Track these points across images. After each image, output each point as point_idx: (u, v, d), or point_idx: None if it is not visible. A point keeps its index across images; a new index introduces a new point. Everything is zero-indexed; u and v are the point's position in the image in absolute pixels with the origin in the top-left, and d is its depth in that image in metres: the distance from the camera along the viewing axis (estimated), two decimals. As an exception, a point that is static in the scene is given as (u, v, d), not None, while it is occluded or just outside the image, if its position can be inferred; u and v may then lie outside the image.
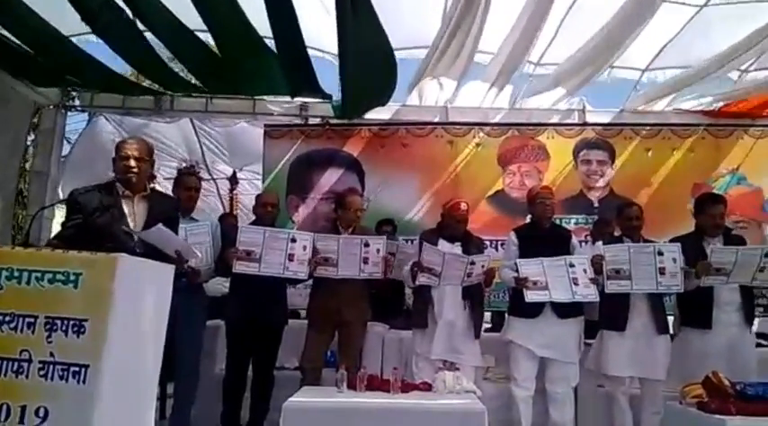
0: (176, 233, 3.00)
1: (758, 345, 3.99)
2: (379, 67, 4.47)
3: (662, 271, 3.53)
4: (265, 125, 5.60)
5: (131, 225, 2.81)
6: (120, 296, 2.14)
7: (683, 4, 4.35)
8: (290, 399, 2.86)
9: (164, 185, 5.09)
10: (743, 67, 5.09)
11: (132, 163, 2.81)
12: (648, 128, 5.56)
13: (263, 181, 5.54)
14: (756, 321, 4.00)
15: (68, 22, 3.98)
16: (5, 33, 4.19)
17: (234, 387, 3.68)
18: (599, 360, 3.70)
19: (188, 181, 3.88)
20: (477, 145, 5.62)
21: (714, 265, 3.46)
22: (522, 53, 4.72)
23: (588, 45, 4.63)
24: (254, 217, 4.02)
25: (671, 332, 3.76)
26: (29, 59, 4.48)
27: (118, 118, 5.87)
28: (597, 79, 5.22)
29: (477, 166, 5.59)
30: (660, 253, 3.56)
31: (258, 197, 4.13)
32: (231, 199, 6.12)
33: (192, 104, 5.61)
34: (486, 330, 4.69)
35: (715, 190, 5.14)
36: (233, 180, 6.15)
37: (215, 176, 6.42)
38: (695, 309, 3.63)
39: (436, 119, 5.68)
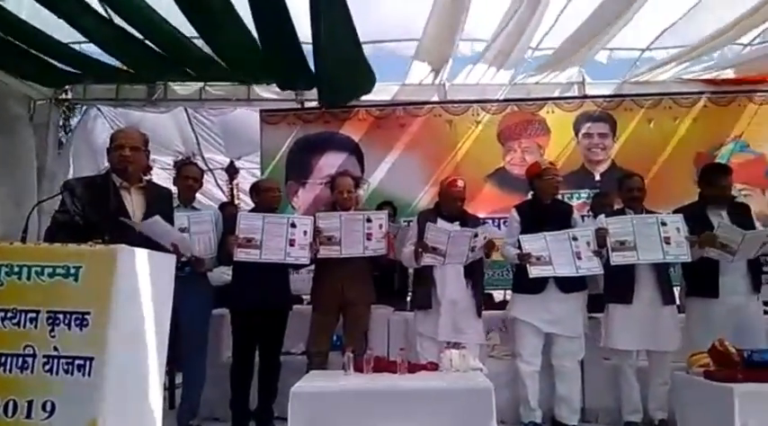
0: (173, 225, 2.99)
1: (766, 313, 3.98)
2: (353, 60, 4.46)
3: (667, 241, 3.51)
4: (261, 111, 5.56)
5: (130, 216, 2.79)
6: (121, 287, 2.14)
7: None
8: (298, 384, 2.85)
9: (160, 178, 5.06)
10: (746, 41, 5.00)
11: (127, 152, 2.78)
12: (650, 98, 5.50)
13: (262, 168, 5.53)
14: (763, 288, 3.98)
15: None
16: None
17: (241, 375, 3.68)
18: (606, 334, 3.69)
19: (188, 170, 3.87)
20: (477, 123, 5.58)
21: (720, 239, 3.43)
22: (519, 38, 4.69)
23: (587, 25, 4.56)
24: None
25: (677, 302, 3.74)
26: (22, 54, 4.44)
27: (112, 111, 5.83)
28: (597, 59, 5.16)
29: (477, 144, 5.56)
30: (663, 224, 3.54)
31: (257, 184, 4.09)
32: (232, 189, 6.09)
33: (186, 92, 5.56)
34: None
35: (718, 159, 5.12)
36: (232, 169, 6.10)
37: (212, 167, 6.39)
38: (701, 278, 3.61)
39: (434, 98, 5.63)
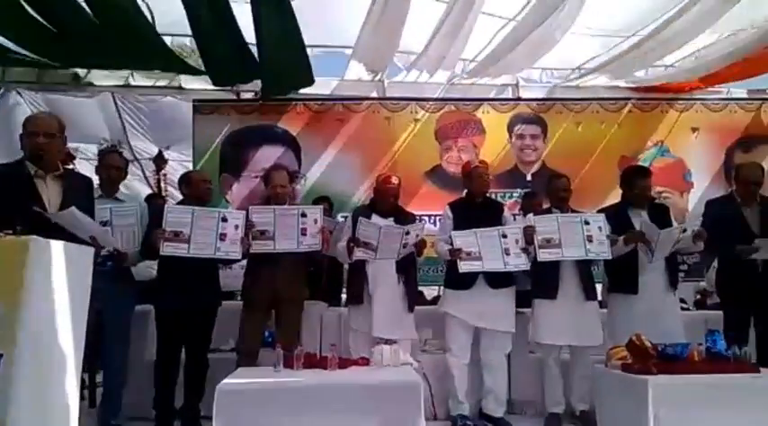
0: (93, 217, 2.86)
1: (682, 309, 4.23)
2: (294, 54, 4.44)
3: (590, 239, 3.66)
4: (194, 100, 5.39)
5: (46, 206, 2.64)
6: (33, 280, 2.05)
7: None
8: (224, 381, 2.79)
9: (84, 168, 4.81)
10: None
11: (41, 139, 2.63)
12: (579, 103, 5.72)
13: (194, 159, 5.36)
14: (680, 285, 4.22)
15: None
16: None
17: (166, 373, 3.56)
18: (533, 330, 3.81)
19: (112, 159, 3.71)
20: (415, 120, 5.64)
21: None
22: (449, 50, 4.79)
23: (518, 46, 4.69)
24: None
25: (599, 298, 3.91)
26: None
27: (33, 95, 5.49)
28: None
29: (415, 142, 5.62)
30: (587, 223, 3.69)
31: (187, 175, 3.96)
32: (158, 180, 5.84)
33: (113, 79, 5.32)
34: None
35: (641, 163, 5.36)
36: (160, 159, 5.85)
37: (139, 156, 6.12)
38: (622, 275, 3.78)
39: (373, 95, 5.64)
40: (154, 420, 3.56)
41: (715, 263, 4.35)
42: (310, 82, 5.18)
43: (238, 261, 3.66)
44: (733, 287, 3.82)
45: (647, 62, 5.26)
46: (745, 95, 5.81)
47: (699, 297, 6.19)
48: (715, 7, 4.09)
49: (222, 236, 3.43)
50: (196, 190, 3.74)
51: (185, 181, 3.85)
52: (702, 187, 5.60)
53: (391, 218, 3.76)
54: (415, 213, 4.14)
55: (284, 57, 4.52)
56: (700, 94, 5.71)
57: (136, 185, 6.19)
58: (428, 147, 5.63)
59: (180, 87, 5.39)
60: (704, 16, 4.22)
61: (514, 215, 4.69)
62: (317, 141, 5.51)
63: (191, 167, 5.32)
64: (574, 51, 5.30)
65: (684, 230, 3.73)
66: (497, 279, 3.73)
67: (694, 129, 5.73)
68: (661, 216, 3.79)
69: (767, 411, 2.74)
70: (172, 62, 4.74)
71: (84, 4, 3.85)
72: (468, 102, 5.70)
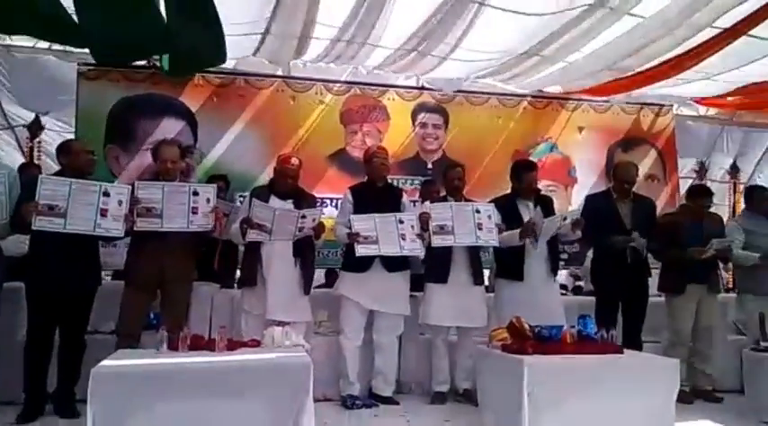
0: None
1: (562, 294, 4.55)
2: (207, 31, 4.15)
3: (480, 227, 3.83)
4: (79, 64, 4.96)
5: None
6: None
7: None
8: (101, 363, 2.63)
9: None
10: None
11: None
12: (479, 96, 5.91)
13: (77, 128, 4.94)
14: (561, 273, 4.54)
15: None
16: None
17: (37, 355, 3.31)
18: (423, 311, 3.94)
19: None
20: (321, 102, 5.57)
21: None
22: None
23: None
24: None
25: (486, 283, 4.11)
26: None
27: None
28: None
29: (320, 124, 5.56)
30: (478, 211, 3.86)
31: (66, 144, 3.65)
32: (32, 148, 5.32)
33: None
34: (320, 286, 4.79)
35: (532, 157, 5.65)
36: (36, 126, 5.33)
37: (13, 122, 5.54)
38: (508, 262, 4.00)
39: (278, 73, 5.49)
40: (23, 403, 3.31)
41: (590, 254, 4.71)
42: (222, 59, 4.85)
43: (121, 238, 3.47)
44: (604, 276, 4.16)
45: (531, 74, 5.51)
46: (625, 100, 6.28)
47: (577, 283, 6.69)
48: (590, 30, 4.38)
49: (103, 212, 3.23)
50: (76, 161, 3.47)
51: (64, 150, 3.56)
52: (585, 183, 6.01)
53: (290, 200, 3.71)
54: (319, 196, 4.12)
55: (195, 31, 4.14)
56: (587, 96, 6.10)
57: (10, 154, 5.61)
58: (333, 130, 5.60)
59: (64, 50, 4.93)
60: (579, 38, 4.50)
61: (413, 201, 4.79)
62: (217, 118, 5.29)
63: (73, 136, 4.91)
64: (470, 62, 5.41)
65: (565, 218, 3.99)
66: (393, 263, 3.80)
67: (581, 129, 6.14)
68: (545, 207, 4.02)
69: (628, 387, 3.02)
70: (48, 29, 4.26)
71: None
72: (374, 88, 5.71)
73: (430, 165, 5.76)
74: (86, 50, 4.58)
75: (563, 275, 5.46)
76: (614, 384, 3.02)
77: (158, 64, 4.96)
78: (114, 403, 2.49)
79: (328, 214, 4.56)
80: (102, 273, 3.83)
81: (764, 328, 4.07)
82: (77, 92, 4.96)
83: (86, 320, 3.47)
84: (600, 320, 3.55)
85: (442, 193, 4.24)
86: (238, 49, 4.86)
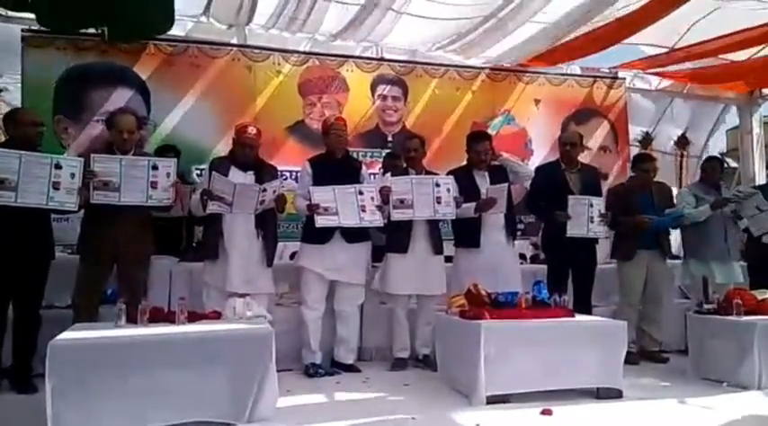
0: None
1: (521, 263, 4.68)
2: None
3: (438, 201, 3.89)
4: (23, 30, 4.72)
5: None
6: None
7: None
8: (58, 337, 2.60)
9: None
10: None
11: None
12: (438, 68, 5.93)
13: (23, 97, 4.72)
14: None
15: None
16: None
17: (-10, 330, 3.23)
18: (383, 281, 4.01)
19: None
20: (278, 72, 5.48)
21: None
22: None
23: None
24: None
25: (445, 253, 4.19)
26: None
27: None
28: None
29: (278, 95, 5.47)
30: (437, 185, 3.91)
31: (13, 114, 3.51)
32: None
33: None
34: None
35: (489, 130, 5.72)
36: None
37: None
38: (466, 231, 4.09)
39: (233, 41, 5.37)
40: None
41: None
42: (168, 26, 4.66)
43: (75, 212, 3.38)
44: (554, 244, 4.31)
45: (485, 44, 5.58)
46: (579, 72, 6.41)
47: (535, 252, 6.87)
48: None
49: (56, 185, 3.15)
50: (23, 132, 3.33)
51: (12, 119, 3.41)
52: (541, 155, 6.11)
53: (251, 171, 3.69)
54: (278, 168, 4.08)
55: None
56: (543, 69, 6.19)
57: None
58: (291, 101, 5.52)
59: (6, 15, 4.67)
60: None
61: (373, 174, 4.81)
62: (170, 87, 5.14)
63: (19, 105, 4.70)
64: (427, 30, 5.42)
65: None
66: (353, 234, 3.84)
67: (537, 101, 6.25)
68: (499, 175, 4.13)
69: (577, 347, 3.20)
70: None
71: None
72: (332, 59, 5.65)
73: (390, 138, 5.78)
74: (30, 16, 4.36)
75: (524, 245, 5.57)
76: (564, 344, 3.19)
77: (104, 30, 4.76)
78: (73, 376, 2.49)
79: (288, 186, 4.53)
80: (59, 249, 3.74)
81: (707, 291, 4.33)
82: (23, 60, 4.74)
83: (41, 293, 3.40)
84: (552, 286, 3.72)
85: (405, 165, 4.27)
86: (188, 7, 4.70)
